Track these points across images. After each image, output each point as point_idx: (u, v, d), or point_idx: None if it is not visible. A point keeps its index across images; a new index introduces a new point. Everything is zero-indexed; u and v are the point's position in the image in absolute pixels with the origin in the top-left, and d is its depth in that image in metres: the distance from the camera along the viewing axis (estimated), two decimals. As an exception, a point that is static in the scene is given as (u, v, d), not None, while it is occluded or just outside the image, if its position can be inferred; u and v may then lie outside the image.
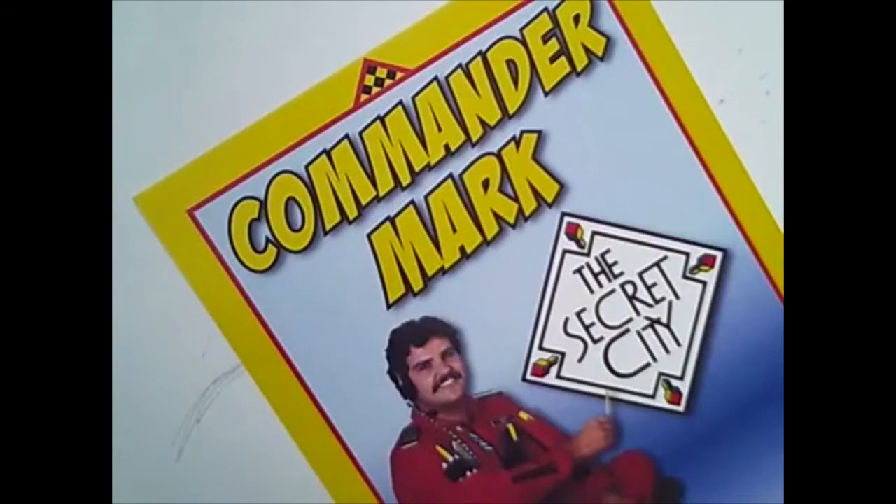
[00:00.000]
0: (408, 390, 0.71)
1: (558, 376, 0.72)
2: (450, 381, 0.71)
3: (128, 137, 0.68)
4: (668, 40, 0.70)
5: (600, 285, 0.72)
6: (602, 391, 0.72)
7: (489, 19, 0.70)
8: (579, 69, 0.70)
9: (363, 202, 0.71)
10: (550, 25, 0.70)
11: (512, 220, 0.71)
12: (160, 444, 0.72)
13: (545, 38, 0.70)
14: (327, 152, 0.70)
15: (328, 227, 0.71)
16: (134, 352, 0.71)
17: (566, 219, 0.71)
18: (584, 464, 0.71)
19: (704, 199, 0.71)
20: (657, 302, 0.72)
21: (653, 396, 0.72)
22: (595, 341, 0.72)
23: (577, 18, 0.70)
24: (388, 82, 0.70)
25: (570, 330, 0.72)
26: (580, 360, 0.72)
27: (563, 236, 0.71)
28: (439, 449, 0.71)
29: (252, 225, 0.70)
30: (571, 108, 0.71)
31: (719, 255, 0.72)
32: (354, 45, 0.70)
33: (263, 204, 0.70)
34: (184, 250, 0.70)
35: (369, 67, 0.70)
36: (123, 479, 0.69)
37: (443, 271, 0.71)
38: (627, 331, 0.72)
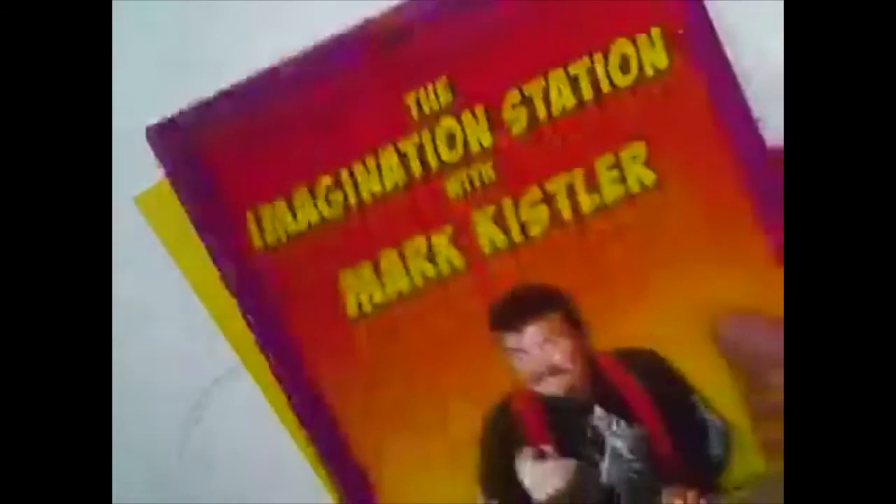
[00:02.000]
0: (408, 390, 0.71)
1: (558, 376, 0.72)
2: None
3: (128, 137, 0.68)
4: (668, 40, 0.70)
5: (600, 285, 0.72)
6: (602, 391, 0.72)
7: (489, 19, 0.70)
8: (579, 69, 0.70)
9: (363, 202, 0.70)
10: (550, 25, 0.70)
11: (512, 220, 0.71)
12: (160, 444, 0.72)
13: (545, 38, 0.70)
14: (327, 152, 0.70)
15: (328, 227, 0.70)
16: (134, 352, 0.71)
17: (566, 219, 0.71)
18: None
19: (704, 199, 0.71)
20: (657, 302, 0.72)
21: (653, 396, 0.72)
22: (595, 341, 0.72)
23: (577, 18, 0.70)
24: (388, 82, 0.70)
25: (570, 330, 0.71)
26: (580, 360, 0.72)
27: (563, 236, 0.71)
28: (439, 449, 0.71)
29: (252, 225, 0.70)
30: (571, 108, 0.70)
31: (719, 255, 0.71)
32: (354, 45, 0.70)
33: (263, 204, 0.70)
34: (184, 250, 0.70)
35: (369, 67, 0.70)
36: (123, 479, 0.69)
37: (443, 271, 0.71)
38: (627, 331, 0.72)
